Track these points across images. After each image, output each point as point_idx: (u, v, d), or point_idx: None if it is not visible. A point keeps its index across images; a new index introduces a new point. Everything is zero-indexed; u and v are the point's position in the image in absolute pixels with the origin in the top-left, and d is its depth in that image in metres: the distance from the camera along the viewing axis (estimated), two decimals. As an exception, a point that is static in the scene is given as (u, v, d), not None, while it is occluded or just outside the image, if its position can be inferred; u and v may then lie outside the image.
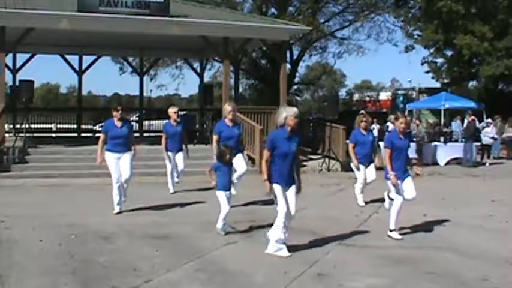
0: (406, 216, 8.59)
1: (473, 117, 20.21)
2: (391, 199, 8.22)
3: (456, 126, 21.30)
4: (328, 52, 34.34)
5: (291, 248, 7.33)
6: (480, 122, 23.90)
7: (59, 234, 7.99)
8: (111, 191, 9.80)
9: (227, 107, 10.44)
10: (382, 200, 11.10)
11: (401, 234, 8.17)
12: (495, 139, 21.36)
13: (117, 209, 9.76)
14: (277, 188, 6.94)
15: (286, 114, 6.97)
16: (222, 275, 6.27)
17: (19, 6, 15.68)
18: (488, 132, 20.29)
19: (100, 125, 27.84)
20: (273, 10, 30.21)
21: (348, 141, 17.49)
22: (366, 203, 10.88)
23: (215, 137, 10.15)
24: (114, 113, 9.94)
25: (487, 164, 19.30)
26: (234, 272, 6.37)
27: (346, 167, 16.59)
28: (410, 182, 8.09)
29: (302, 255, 6.99)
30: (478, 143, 19.87)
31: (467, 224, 9.09)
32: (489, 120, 21.63)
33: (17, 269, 6.34)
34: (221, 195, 8.15)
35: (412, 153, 11.09)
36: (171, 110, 12.42)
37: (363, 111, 18.99)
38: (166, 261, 6.70)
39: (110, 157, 9.77)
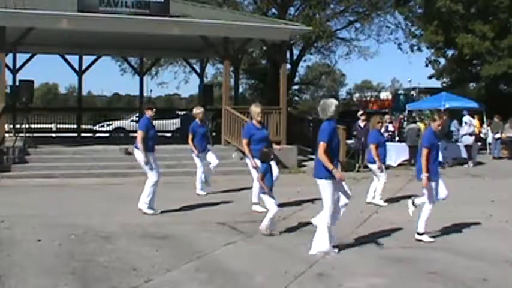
0: (406, 217, 8.59)
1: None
2: (415, 206, 8.23)
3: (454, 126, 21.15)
4: (334, 54, 34.36)
5: (292, 248, 7.34)
6: (482, 122, 23.86)
7: (59, 234, 7.98)
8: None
9: (256, 109, 10.07)
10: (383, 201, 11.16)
11: (401, 234, 8.19)
12: (490, 139, 21.15)
13: (149, 210, 9.69)
14: (325, 184, 6.98)
15: (335, 105, 7.12)
16: (222, 275, 6.27)
17: (19, 6, 15.68)
18: (465, 132, 19.85)
19: (100, 125, 27.99)
20: (273, 10, 30.18)
21: (347, 141, 17.71)
22: (368, 202, 10.95)
23: (245, 141, 9.86)
24: (150, 112, 9.91)
25: (470, 165, 19.00)
26: (234, 272, 6.37)
27: (346, 167, 16.62)
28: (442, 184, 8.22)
29: (302, 255, 6.98)
30: (461, 143, 19.65)
31: (467, 224, 9.08)
32: (466, 119, 21.23)
33: (17, 269, 6.34)
34: (267, 197, 8.16)
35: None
36: (199, 111, 12.41)
37: (362, 111, 19.00)
38: (166, 261, 6.70)
39: (150, 157, 9.76)
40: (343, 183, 7.16)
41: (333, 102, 7.18)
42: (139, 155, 9.79)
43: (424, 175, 7.81)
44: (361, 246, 7.56)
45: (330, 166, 6.88)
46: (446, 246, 7.63)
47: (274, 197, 8.26)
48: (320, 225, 7.06)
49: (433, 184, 7.93)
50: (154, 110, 9.98)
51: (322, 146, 6.94)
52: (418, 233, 7.94)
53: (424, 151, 7.91)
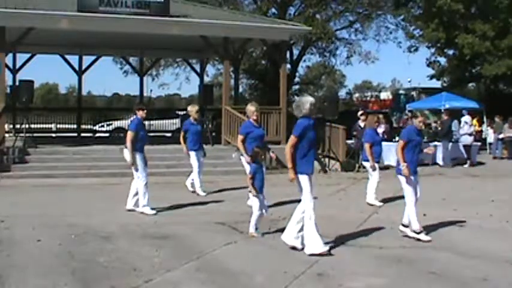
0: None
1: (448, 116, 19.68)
2: (405, 226, 8.20)
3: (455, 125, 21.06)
4: (335, 57, 34.29)
5: (291, 248, 7.33)
6: (481, 122, 23.84)
7: (59, 234, 7.99)
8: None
9: (252, 108, 10.12)
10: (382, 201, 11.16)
11: (400, 234, 8.18)
12: (490, 139, 21.02)
13: (151, 211, 9.68)
14: (305, 179, 6.98)
15: (310, 103, 7.12)
16: (222, 275, 6.27)
17: (19, 6, 15.70)
18: (464, 132, 19.67)
19: (100, 125, 27.99)
20: (273, 10, 30.16)
21: (347, 141, 17.70)
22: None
23: (241, 137, 9.88)
24: (140, 113, 9.88)
25: (469, 165, 18.97)
26: (234, 272, 6.37)
27: (346, 167, 16.63)
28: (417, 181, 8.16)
29: (302, 255, 6.98)
30: (460, 143, 19.54)
31: (467, 224, 9.08)
32: (466, 119, 21.06)
33: (17, 269, 6.34)
34: (255, 198, 8.12)
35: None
36: (192, 109, 12.29)
37: (362, 111, 18.99)
38: (166, 261, 6.71)
39: (140, 158, 9.74)
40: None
41: (308, 99, 7.23)
42: (127, 155, 9.80)
43: (403, 165, 7.85)
44: (361, 246, 7.56)
45: (289, 164, 6.94)
46: (446, 246, 7.63)
47: (263, 198, 8.22)
48: (306, 222, 7.07)
49: (412, 178, 7.94)
50: (145, 110, 9.97)
51: (291, 139, 7.01)
52: (415, 232, 7.95)
53: (400, 143, 8.04)
